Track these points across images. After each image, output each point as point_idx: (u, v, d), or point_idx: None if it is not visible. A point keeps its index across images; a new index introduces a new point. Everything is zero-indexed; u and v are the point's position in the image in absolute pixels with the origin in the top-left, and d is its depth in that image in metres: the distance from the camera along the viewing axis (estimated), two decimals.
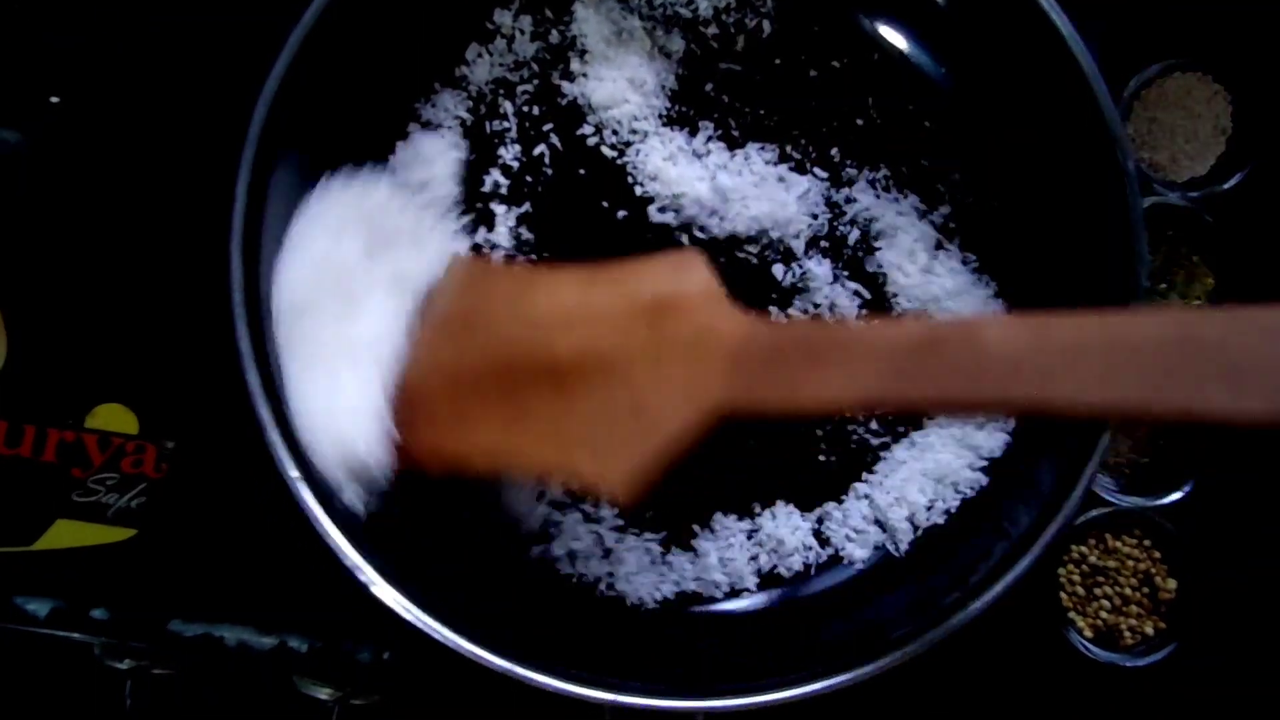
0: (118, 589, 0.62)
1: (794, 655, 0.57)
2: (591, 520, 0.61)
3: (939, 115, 0.63)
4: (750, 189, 0.61)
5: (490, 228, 0.62)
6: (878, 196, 0.62)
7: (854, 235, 0.63)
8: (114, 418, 0.63)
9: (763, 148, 0.63)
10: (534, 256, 0.62)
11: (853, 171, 0.63)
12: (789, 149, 0.63)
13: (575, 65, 0.63)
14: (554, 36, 0.63)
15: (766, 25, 0.64)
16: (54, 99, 0.65)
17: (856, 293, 0.62)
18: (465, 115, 0.63)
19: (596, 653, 0.57)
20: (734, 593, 0.61)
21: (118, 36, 0.66)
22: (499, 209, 0.63)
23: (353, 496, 0.51)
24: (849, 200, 0.63)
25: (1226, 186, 0.69)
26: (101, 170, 0.65)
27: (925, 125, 0.63)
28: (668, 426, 0.44)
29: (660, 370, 0.45)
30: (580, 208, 0.63)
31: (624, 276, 0.49)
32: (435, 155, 0.61)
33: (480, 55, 0.63)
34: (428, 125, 0.63)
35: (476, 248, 0.62)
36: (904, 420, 0.62)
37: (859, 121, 0.63)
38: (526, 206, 0.63)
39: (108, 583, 0.62)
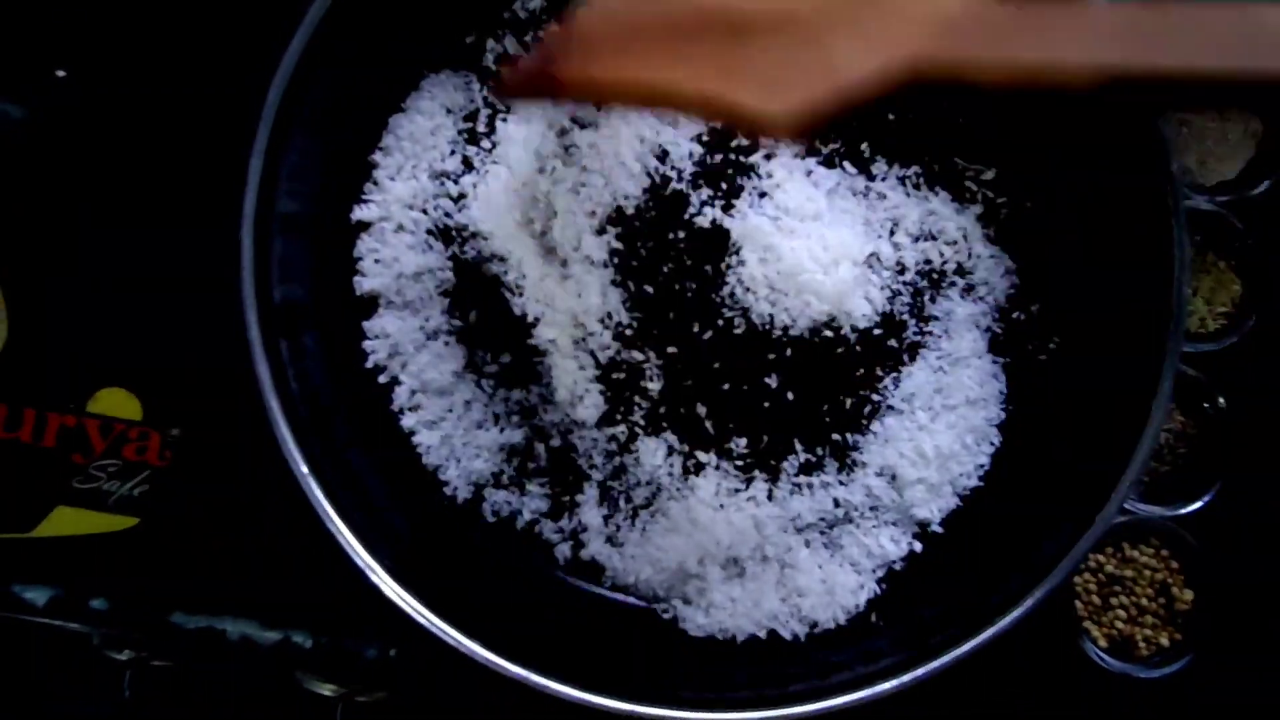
0: (118, 579, 0.61)
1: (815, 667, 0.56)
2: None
3: (973, 112, 0.62)
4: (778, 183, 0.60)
5: None
6: (907, 194, 0.61)
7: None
8: (117, 403, 0.62)
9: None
10: None
11: (882, 168, 0.61)
12: (817, 142, 0.61)
13: None
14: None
15: None
16: (60, 73, 0.63)
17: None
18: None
19: (607, 659, 0.56)
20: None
21: (125, 8, 0.64)
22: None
23: None
24: (878, 197, 0.61)
25: (1256, 192, 0.68)
26: (108, 147, 0.64)
27: (959, 122, 0.62)
28: (851, 69, 0.41)
29: (851, 21, 0.41)
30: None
31: None
32: None
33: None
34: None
35: None
36: None
37: (890, 116, 0.62)
38: None
39: (108, 572, 0.62)
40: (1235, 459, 0.67)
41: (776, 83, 0.42)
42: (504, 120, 0.61)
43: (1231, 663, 0.66)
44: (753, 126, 0.45)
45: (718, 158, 0.61)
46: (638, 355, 0.59)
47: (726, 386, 0.59)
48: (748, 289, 0.59)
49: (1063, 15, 0.40)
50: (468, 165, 0.62)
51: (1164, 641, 0.67)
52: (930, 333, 0.61)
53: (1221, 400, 0.68)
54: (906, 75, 0.41)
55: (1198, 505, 0.67)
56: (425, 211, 0.62)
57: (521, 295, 0.59)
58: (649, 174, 0.61)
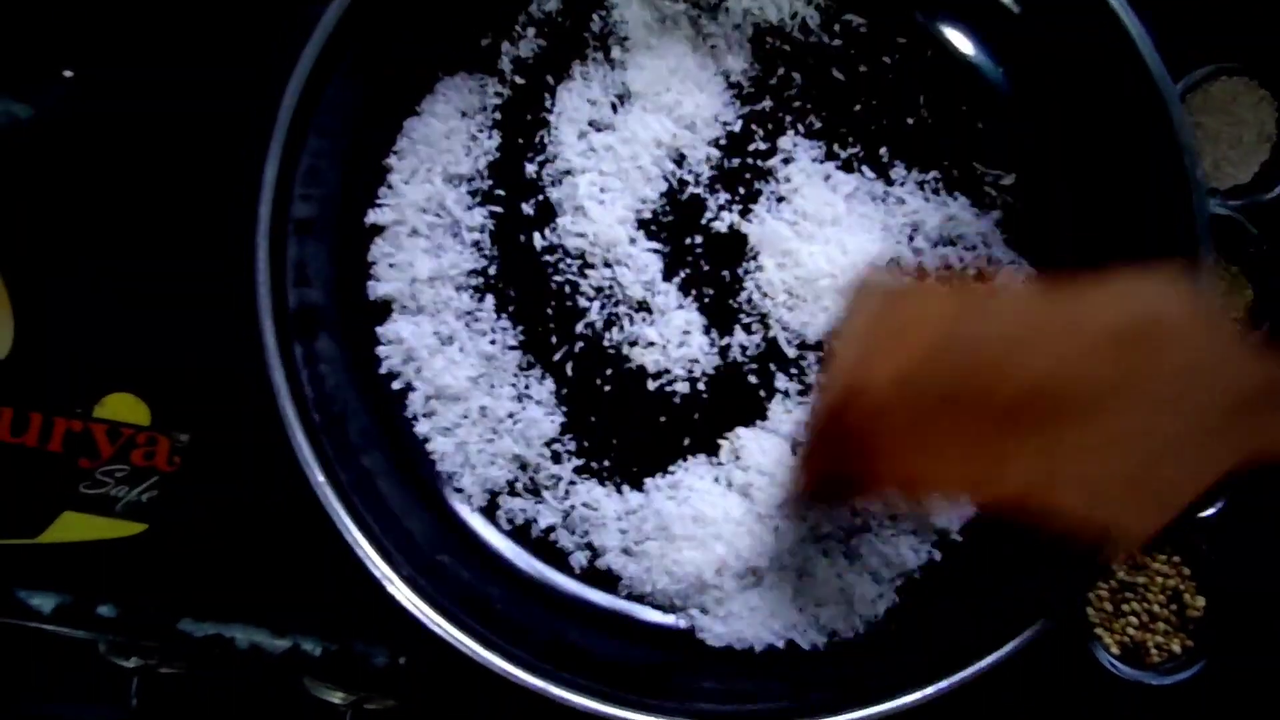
0: (126, 585, 0.61)
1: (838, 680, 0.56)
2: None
3: (994, 116, 0.61)
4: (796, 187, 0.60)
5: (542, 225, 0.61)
6: (926, 199, 0.61)
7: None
8: (124, 408, 0.61)
9: (810, 144, 0.61)
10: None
11: (901, 172, 0.61)
12: (835, 147, 0.61)
13: (616, 53, 0.61)
14: (595, 23, 0.61)
15: (814, 16, 0.61)
16: (67, 73, 0.62)
17: None
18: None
19: (623, 669, 0.56)
20: None
21: (134, 9, 0.63)
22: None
23: None
24: (897, 202, 0.61)
25: (1270, 196, 0.68)
26: (116, 148, 0.63)
27: (979, 126, 0.61)
28: (1188, 476, 0.40)
29: (1152, 411, 0.40)
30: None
31: (1092, 295, 0.43)
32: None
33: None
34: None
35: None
36: None
37: (909, 120, 0.61)
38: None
39: (116, 578, 0.61)
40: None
41: (1109, 495, 0.41)
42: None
43: (1243, 670, 0.66)
44: (1097, 539, 0.44)
45: (735, 161, 0.61)
46: None
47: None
48: (765, 294, 0.59)
49: None
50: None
51: (1176, 648, 0.67)
52: None
53: None
54: (1241, 468, 0.40)
55: (1210, 512, 0.66)
56: (439, 215, 0.61)
57: None
58: (666, 178, 0.60)
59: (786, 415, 0.59)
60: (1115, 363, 0.41)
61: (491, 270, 0.61)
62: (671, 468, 0.60)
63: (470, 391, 0.60)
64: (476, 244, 0.61)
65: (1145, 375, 0.40)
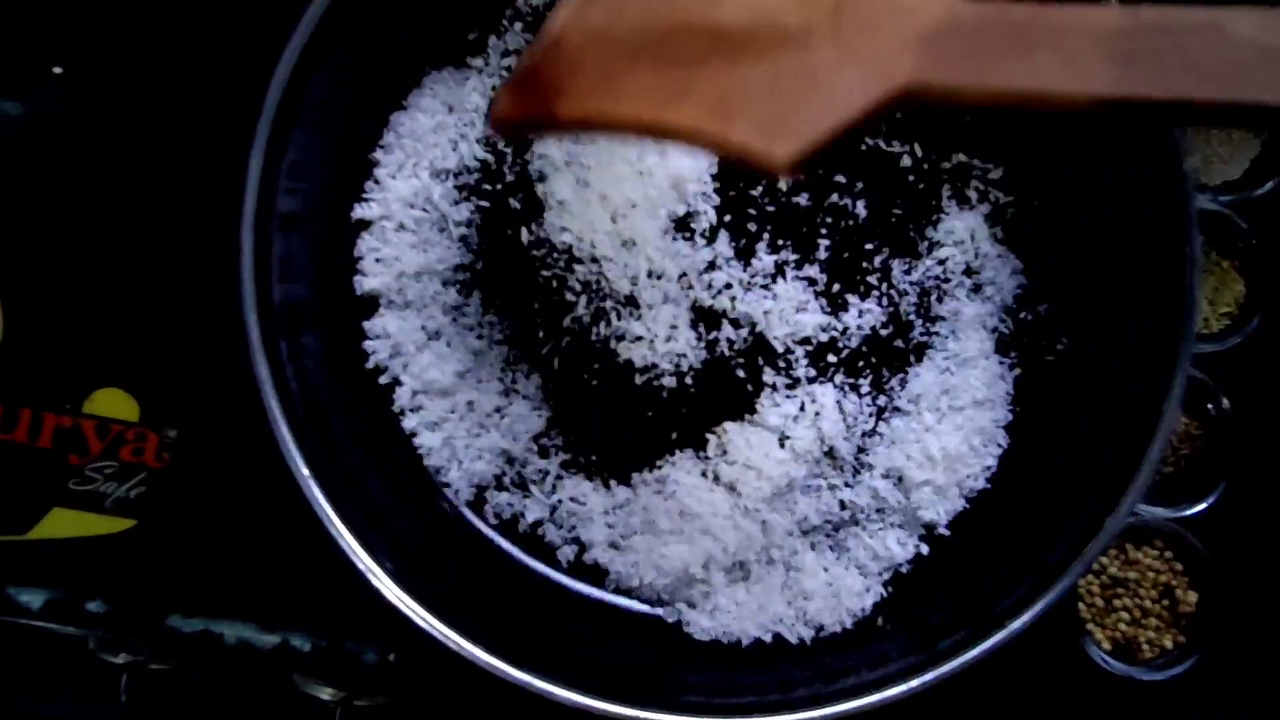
0: (115, 581, 0.61)
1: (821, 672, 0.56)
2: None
3: (979, 109, 0.61)
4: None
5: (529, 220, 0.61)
6: None
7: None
8: (114, 403, 0.61)
9: None
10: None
11: None
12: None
13: None
14: None
15: None
16: (57, 69, 0.62)
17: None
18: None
19: (610, 663, 0.56)
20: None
21: (123, 5, 0.63)
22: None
23: None
24: None
25: (1260, 191, 0.68)
26: (105, 144, 0.63)
27: (965, 120, 0.61)
28: (845, 100, 0.40)
29: (841, 41, 0.40)
30: None
31: None
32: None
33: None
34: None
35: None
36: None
37: (898, 115, 0.61)
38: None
39: (105, 575, 0.61)
40: (1239, 460, 0.67)
41: (774, 122, 0.41)
42: None
43: (1236, 665, 0.66)
44: (753, 165, 0.44)
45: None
46: None
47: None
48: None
49: (1049, 33, 0.38)
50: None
51: (1168, 644, 0.67)
52: (937, 333, 0.61)
53: (1225, 401, 0.67)
54: (898, 101, 0.40)
55: (1201, 507, 0.66)
56: (426, 210, 0.61)
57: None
58: None
59: (774, 409, 0.59)
60: (811, 5, 0.41)
61: (479, 265, 0.61)
62: (659, 462, 0.60)
63: (457, 386, 0.60)
64: (464, 239, 0.61)
65: (837, 12, 0.40)
